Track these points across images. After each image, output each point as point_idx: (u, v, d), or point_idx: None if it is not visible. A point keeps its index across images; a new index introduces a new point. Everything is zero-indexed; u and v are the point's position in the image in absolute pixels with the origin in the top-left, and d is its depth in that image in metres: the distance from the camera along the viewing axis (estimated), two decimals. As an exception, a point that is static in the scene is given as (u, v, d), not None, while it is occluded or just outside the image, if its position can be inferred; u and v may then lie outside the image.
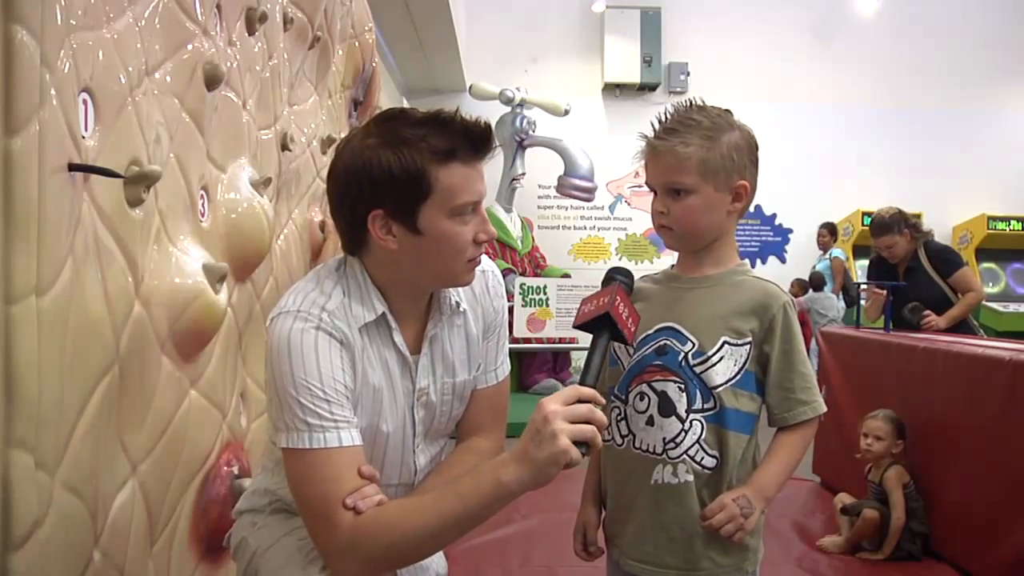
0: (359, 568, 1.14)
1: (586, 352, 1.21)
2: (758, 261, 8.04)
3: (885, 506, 2.83)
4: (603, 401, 1.10)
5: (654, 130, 1.30)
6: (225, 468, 1.74)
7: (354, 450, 1.16)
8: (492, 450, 1.38)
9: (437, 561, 1.42)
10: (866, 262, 5.07)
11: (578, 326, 1.21)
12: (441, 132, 1.16)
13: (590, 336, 1.20)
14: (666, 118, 1.30)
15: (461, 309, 1.32)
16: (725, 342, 1.28)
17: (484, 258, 1.32)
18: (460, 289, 1.31)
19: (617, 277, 1.27)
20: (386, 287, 1.25)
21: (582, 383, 1.11)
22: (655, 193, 1.32)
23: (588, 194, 6.68)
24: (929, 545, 2.81)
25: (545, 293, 5.49)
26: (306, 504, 1.16)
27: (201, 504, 1.64)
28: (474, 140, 1.18)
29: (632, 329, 1.22)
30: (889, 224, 3.85)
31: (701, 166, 1.26)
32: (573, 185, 6.58)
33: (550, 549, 2.81)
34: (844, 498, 3.08)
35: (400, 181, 1.15)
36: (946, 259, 3.89)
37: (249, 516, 1.37)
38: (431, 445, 1.35)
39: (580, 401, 1.07)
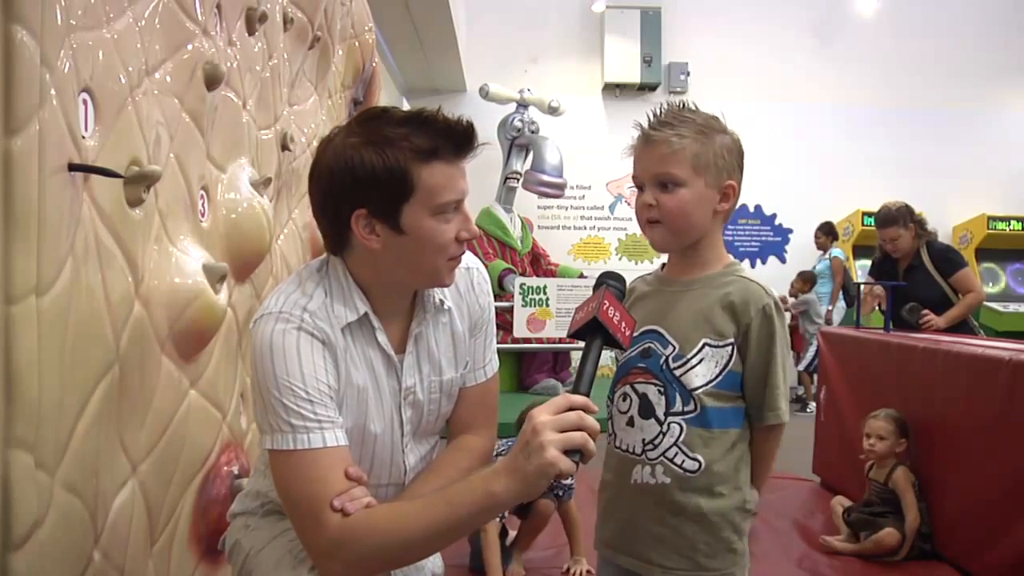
0: (346, 569, 1.14)
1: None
2: (758, 261, 8.03)
3: (887, 506, 2.83)
4: (596, 408, 1.09)
5: (649, 122, 1.31)
6: (225, 468, 1.74)
7: (339, 450, 1.16)
8: (484, 447, 1.38)
9: (433, 561, 1.42)
10: (866, 262, 5.07)
11: (572, 335, 1.20)
12: (423, 131, 1.16)
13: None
14: (660, 112, 1.32)
15: (446, 307, 1.32)
16: (705, 344, 1.28)
17: (468, 255, 1.31)
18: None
19: (607, 282, 1.24)
20: (369, 287, 1.25)
21: (574, 391, 1.10)
22: (641, 190, 1.32)
23: (555, 190, 6.41)
24: (930, 545, 2.81)
25: (545, 293, 5.48)
26: (293, 505, 1.16)
27: (201, 504, 1.64)
28: (456, 139, 1.18)
29: (627, 333, 1.19)
30: (895, 216, 3.86)
31: (695, 159, 1.27)
32: (538, 180, 6.29)
33: (549, 548, 2.81)
34: (842, 501, 3.08)
35: (383, 180, 1.15)
36: (948, 259, 3.89)
37: (242, 519, 1.38)
38: (420, 444, 1.35)
39: (572, 409, 1.06)
